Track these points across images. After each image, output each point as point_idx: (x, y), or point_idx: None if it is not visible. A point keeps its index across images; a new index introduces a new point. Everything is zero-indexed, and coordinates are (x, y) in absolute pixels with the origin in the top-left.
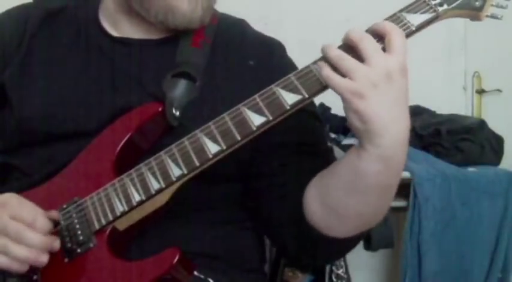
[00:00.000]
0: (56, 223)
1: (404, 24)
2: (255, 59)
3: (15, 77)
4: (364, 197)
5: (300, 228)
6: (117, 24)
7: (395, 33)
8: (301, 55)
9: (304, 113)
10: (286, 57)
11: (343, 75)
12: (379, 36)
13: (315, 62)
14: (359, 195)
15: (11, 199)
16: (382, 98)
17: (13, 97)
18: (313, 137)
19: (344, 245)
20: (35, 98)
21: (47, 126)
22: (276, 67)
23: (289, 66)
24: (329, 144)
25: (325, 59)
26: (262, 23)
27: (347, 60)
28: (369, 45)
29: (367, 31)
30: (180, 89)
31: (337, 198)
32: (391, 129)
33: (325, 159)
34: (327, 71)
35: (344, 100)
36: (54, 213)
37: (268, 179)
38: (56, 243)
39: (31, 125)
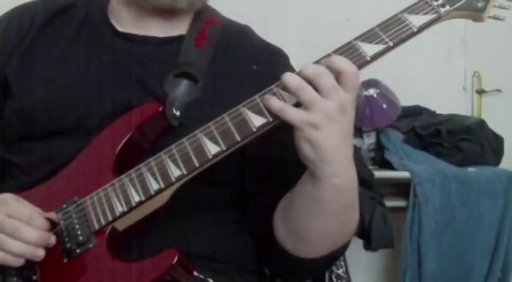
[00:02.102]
0: (55, 224)
1: (406, 25)
2: (258, 64)
3: (17, 69)
4: (326, 220)
5: (272, 248)
6: (121, 20)
7: (351, 74)
8: (301, 55)
9: None
10: (289, 66)
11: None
12: (333, 71)
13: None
14: (321, 219)
15: (9, 198)
16: (335, 129)
17: (14, 89)
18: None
19: (316, 265)
20: (36, 89)
21: (47, 118)
22: (279, 75)
23: None
24: None
25: (282, 87)
26: (262, 24)
27: (308, 91)
28: (327, 81)
29: (321, 63)
30: (181, 89)
31: (300, 225)
32: (338, 157)
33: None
34: (279, 103)
35: (298, 129)
36: (53, 214)
37: (256, 195)
38: (52, 239)
39: (31, 116)
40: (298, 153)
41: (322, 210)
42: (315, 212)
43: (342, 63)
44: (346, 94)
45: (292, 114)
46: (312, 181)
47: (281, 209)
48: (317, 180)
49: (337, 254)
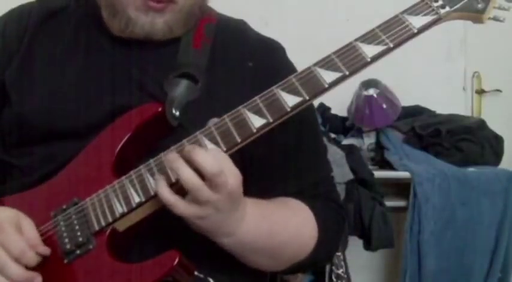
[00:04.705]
0: (55, 224)
1: (406, 26)
2: (254, 60)
3: (15, 73)
4: (248, 259)
5: None
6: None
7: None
8: (301, 55)
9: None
10: (287, 60)
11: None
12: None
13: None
14: (243, 259)
15: (8, 224)
16: (220, 215)
17: (13, 93)
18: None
19: (290, 270)
20: (35, 93)
21: (46, 122)
22: (276, 69)
23: (289, 68)
24: (328, 143)
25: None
26: (262, 23)
27: (205, 192)
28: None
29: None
30: (180, 89)
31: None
32: (225, 228)
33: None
34: (173, 199)
35: (186, 219)
36: (45, 249)
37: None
38: (38, 280)
39: (31, 120)
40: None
41: (238, 255)
42: (234, 255)
43: (209, 162)
44: (232, 180)
45: (184, 210)
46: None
47: None
48: (221, 242)
49: (305, 264)
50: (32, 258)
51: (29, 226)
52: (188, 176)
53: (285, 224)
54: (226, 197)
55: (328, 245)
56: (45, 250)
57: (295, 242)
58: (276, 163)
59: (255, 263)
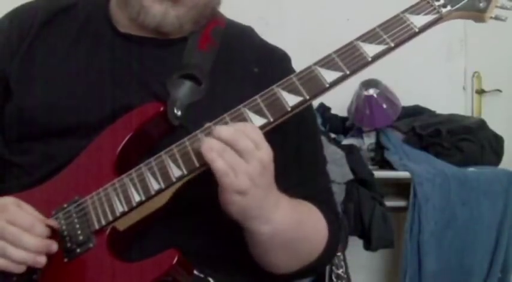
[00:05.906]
0: (56, 230)
1: (407, 26)
2: (260, 66)
3: (18, 69)
4: (273, 255)
5: None
6: (120, 21)
7: (253, 135)
8: (301, 55)
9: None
10: (291, 68)
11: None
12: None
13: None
14: (269, 256)
15: (11, 205)
16: (260, 190)
17: (15, 88)
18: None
19: (291, 276)
20: (36, 89)
21: (47, 118)
22: (280, 78)
23: None
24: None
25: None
26: (262, 23)
27: (232, 155)
28: (246, 145)
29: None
30: (183, 89)
31: (255, 257)
32: (264, 211)
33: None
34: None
35: (226, 196)
36: (53, 222)
37: None
38: (54, 246)
39: (32, 115)
40: (227, 213)
41: (266, 250)
42: (260, 252)
43: (242, 131)
44: (262, 152)
45: (230, 182)
46: (246, 231)
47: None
48: (250, 231)
49: (312, 267)
50: (42, 229)
51: (30, 208)
52: (209, 143)
53: (308, 217)
54: (258, 167)
55: (333, 250)
56: (55, 223)
57: (313, 236)
58: (276, 173)
59: (276, 260)
